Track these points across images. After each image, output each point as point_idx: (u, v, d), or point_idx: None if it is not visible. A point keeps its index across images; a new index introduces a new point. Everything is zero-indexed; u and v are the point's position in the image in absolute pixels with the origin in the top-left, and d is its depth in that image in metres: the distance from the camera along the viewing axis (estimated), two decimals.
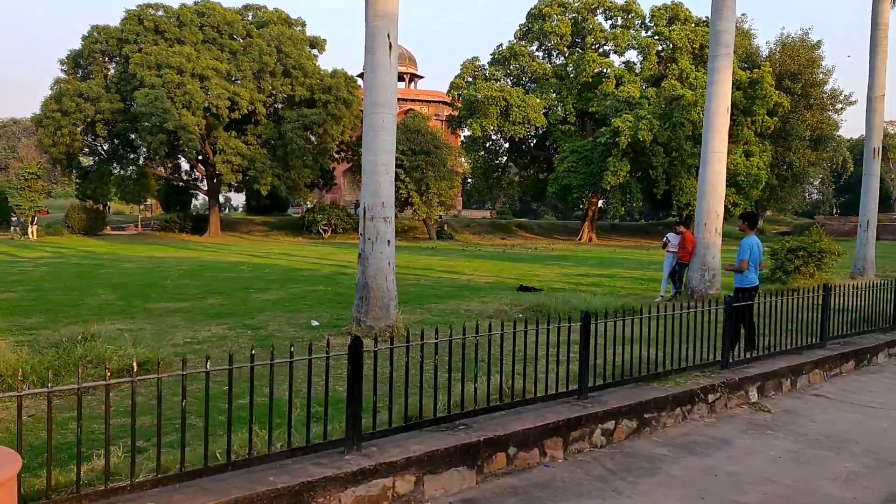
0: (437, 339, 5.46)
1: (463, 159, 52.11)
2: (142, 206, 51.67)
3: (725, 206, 46.92)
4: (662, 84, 44.95)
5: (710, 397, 6.40)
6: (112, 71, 42.88)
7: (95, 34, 42.34)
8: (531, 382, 5.76)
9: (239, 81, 41.43)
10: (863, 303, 9.44)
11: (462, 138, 56.07)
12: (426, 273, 22.55)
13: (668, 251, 15.76)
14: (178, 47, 40.28)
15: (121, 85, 41.52)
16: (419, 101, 77.93)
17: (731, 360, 6.99)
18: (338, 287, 17.33)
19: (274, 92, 43.02)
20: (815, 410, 6.64)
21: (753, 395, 6.84)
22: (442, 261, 28.36)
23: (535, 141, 55.65)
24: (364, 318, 9.58)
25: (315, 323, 11.41)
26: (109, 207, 63.75)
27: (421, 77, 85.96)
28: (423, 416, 4.86)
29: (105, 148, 45.78)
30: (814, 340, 8.26)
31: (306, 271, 22.61)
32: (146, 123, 39.05)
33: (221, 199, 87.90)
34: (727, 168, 44.77)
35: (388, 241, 9.69)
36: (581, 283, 19.29)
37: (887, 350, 8.89)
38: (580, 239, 51.12)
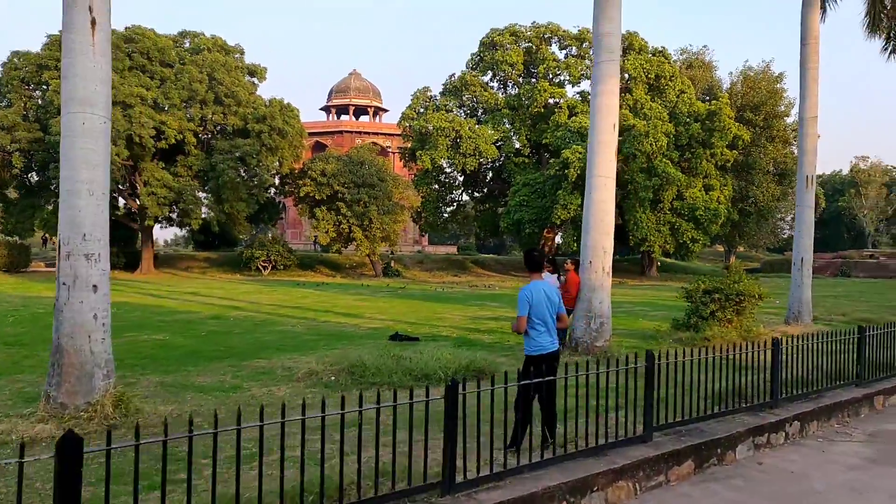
0: None
1: (412, 193, 49.84)
2: None
3: (684, 243, 45.11)
4: None
5: None
6: (35, 99, 40.45)
7: (16, 60, 39.98)
8: None
9: (167, 109, 39.08)
10: (733, 369, 6.97)
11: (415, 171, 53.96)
12: (319, 316, 20.01)
13: None
14: None
15: (40, 113, 39.09)
16: (382, 134, 76.22)
17: (456, 481, 4.46)
18: (182, 337, 14.71)
19: (205, 121, 40.72)
20: None
21: None
22: (355, 301, 25.82)
23: (490, 174, 53.59)
24: (55, 394, 7.00)
25: None
26: (49, 241, 60.81)
27: (386, 110, 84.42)
28: None
29: (34, 180, 43.17)
30: (641, 430, 5.79)
31: (182, 314, 19.98)
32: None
33: (175, 234, 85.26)
34: (686, 202, 42.91)
35: (95, 287, 7.17)
36: (478, 330, 16.82)
37: (751, 440, 6.41)
38: None
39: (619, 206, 42.84)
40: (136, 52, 40.22)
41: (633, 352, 12.56)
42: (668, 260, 62.10)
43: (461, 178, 53.27)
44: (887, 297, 30.93)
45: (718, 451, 6.05)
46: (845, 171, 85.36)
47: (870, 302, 28.34)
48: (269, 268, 44.61)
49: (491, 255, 74.51)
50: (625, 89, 46.72)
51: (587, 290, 12.25)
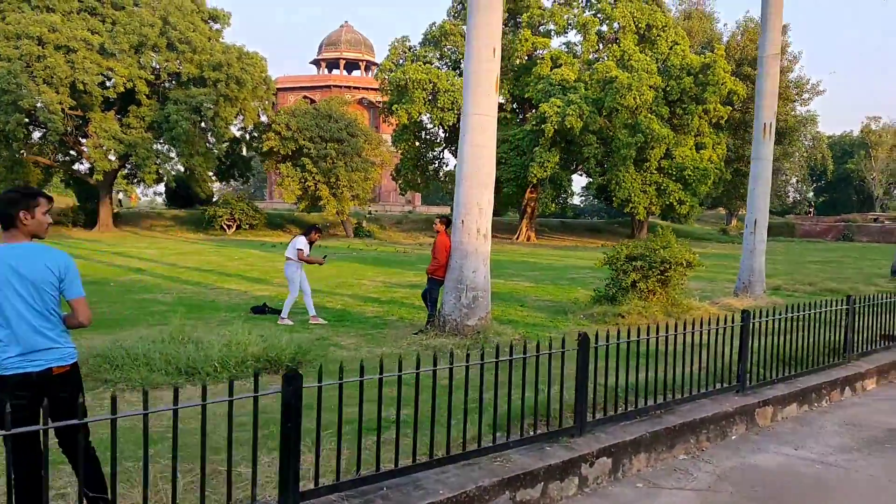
0: None
1: (386, 149, 47.26)
2: None
3: (671, 204, 42.42)
4: (595, 65, 40.13)
5: None
6: None
7: None
8: None
9: (116, 55, 36.54)
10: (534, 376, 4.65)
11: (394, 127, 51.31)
12: (220, 281, 17.83)
13: (288, 259, 11.75)
14: (45, 15, 35.44)
15: None
16: (373, 89, 73.16)
17: None
18: None
19: (158, 69, 38.22)
20: None
21: None
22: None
23: None
24: None
25: None
26: None
27: (378, 65, 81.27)
28: None
29: None
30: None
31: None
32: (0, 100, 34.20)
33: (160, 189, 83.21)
34: (675, 161, 40.16)
35: None
36: (377, 300, 14.59)
37: (509, 495, 4.12)
38: (517, 238, 46.29)
39: (600, 163, 40.32)
40: None
41: (517, 336, 10.34)
42: (663, 222, 59.34)
43: (443, 135, 50.64)
44: (879, 263, 28.37)
45: None
46: (856, 133, 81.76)
47: (855, 269, 25.86)
48: (234, 227, 42.48)
49: None
50: (612, 40, 43.74)
51: (458, 256, 9.95)
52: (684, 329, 5.67)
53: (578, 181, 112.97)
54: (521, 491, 4.22)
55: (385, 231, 48.04)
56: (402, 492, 3.86)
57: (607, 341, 5.00)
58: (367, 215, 49.73)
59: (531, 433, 4.66)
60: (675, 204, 41.49)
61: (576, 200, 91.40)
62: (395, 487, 3.90)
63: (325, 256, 12.71)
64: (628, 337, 5.28)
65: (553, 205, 41.61)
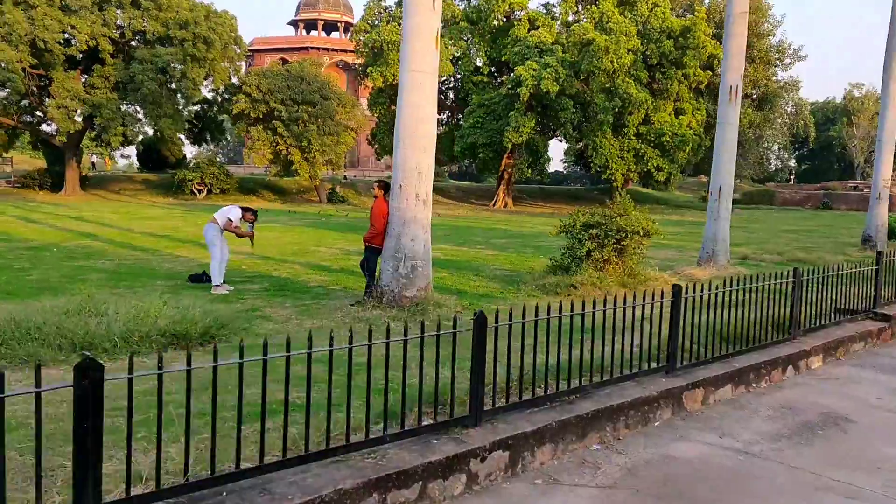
0: None
1: (361, 112, 46.28)
2: None
3: (649, 171, 41.92)
4: (572, 27, 39.21)
5: None
6: None
7: None
8: None
9: (78, 12, 35.17)
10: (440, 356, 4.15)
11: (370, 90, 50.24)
12: (172, 247, 17.24)
13: (212, 221, 11.32)
14: None
15: None
16: (351, 51, 71.69)
17: None
18: None
19: (123, 27, 36.91)
20: None
21: None
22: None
23: (451, 94, 49.88)
24: None
25: None
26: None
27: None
28: None
29: None
30: None
31: (5, 241, 17.17)
32: None
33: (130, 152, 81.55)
34: (653, 127, 39.50)
35: None
36: (327, 268, 14.08)
37: (378, 497, 3.64)
38: (494, 204, 45.71)
39: (577, 128, 39.66)
40: None
41: (458, 309, 9.83)
42: (644, 190, 58.84)
43: None
44: (853, 231, 28.06)
45: None
46: (839, 99, 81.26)
47: (829, 237, 25.57)
48: (205, 191, 41.55)
49: (465, 182, 71.20)
50: (591, 1, 42.72)
51: (397, 223, 9.37)
52: (604, 305, 5.17)
53: (560, 147, 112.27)
54: (393, 492, 3.72)
55: (360, 196, 47.29)
56: (244, 497, 3.36)
57: (510, 320, 4.48)
58: (342, 180, 48.93)
59: (417, 424, 4.15)
60: (653, 171, 40.98)
61: (559, 167, 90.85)
62: (239, 492, 3.39)
63: (252, 227, 12.13)
64: (563, 312, 4.77)
65: (529, 171, 40.96)
